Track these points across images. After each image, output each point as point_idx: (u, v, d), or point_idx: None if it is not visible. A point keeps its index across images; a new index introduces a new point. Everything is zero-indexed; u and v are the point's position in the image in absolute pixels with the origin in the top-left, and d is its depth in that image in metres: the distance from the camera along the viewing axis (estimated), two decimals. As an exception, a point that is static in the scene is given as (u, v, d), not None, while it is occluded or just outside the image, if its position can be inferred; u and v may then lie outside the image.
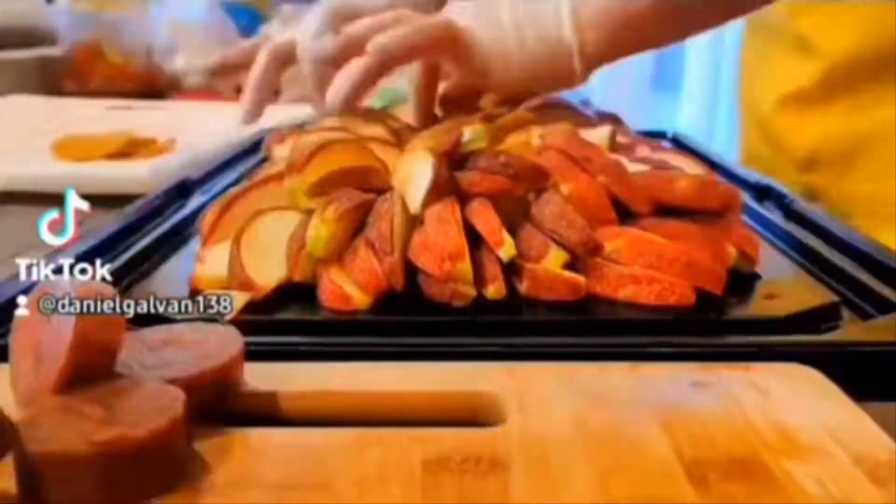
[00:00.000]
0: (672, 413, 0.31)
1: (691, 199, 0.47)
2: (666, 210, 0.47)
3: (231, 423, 0.31)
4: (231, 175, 0.73)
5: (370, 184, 0.47)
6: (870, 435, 0.30)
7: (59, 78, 1.39)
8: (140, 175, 0.74)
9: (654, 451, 0.29)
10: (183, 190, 0.67)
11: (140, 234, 0.55)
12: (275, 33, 0.78)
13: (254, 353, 0.37)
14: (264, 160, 0.73)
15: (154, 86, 1.37)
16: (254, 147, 0.87)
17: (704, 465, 0.28)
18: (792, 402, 0.32)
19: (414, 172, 0.46)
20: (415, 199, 0.44)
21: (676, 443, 0.29)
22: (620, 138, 0.57)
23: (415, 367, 0.35)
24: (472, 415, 0.32)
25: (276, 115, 1.08)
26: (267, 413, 0.33)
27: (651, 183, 0.47)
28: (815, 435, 0.30)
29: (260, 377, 0.34)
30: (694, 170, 0.52)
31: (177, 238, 0.55)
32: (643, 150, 0.55)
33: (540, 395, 0.32)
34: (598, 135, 0.54)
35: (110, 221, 0.55)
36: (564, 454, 0.28)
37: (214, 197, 0.61)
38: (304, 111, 1.16)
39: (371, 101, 1.04)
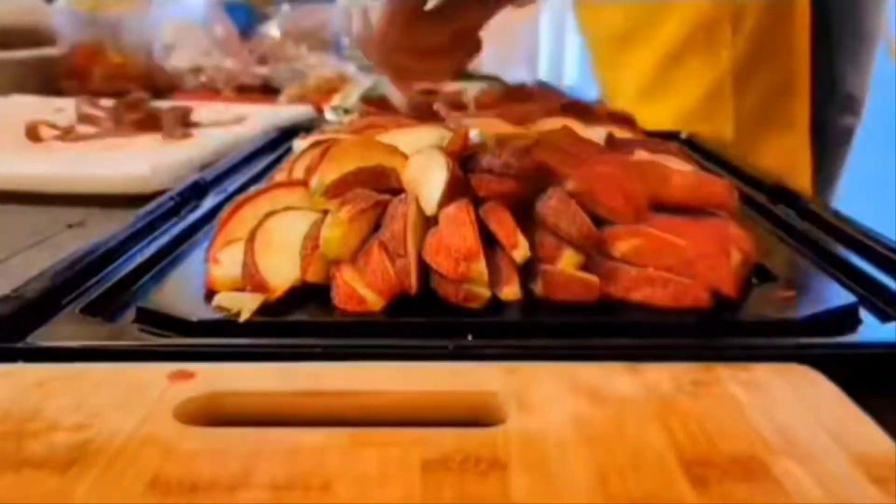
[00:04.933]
0: (672, 413, 0.31)
1: (687, 196, 0.47)
2: (661, 208, 0.46)
3: (231, 423, 0.31)
4: (245, 175, 0.73)
5: (386, 184, 0.47)
6: (870, 435, 0.30)
7: (59, 78, 1.39)
8: (140, 175, 0.74)
9: (654, 451, 0.29)
10: (198, 190, 0.67)
11: (156, 234, 0.56)
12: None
13: (267, 355, 0.37)
14: (277, 161, 0.73)
15: (154, 86, 1.37)
16: (267, 146, 0.87)
17: (704, 465, 0.28)
18: (792, 402, 0.32)
19: (428, 173, 0.46)
20: (430, 200, 0.44)
21: (676, 443, 0.29)
22: (621, 136, 0.57)
23: (415, 367, 0.35)
24: (472, 415, 0.32)
25: (276, 114, 1.09)
26: (267, 413, 0.33)
27: (647, 179, 0.47)
28: (815, 435, 0.30)
29: (261, 377, 0.34)
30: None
31: (192, 238, 0.55)
32: (641, 153, 0.55)
33: (540, 395, 0.32)
34: (594, 134, 0.54)
35: (126, 222, 0.56)
36: (564, 454, 0.28)
37: (230, 197, 0.61)
38: (304, 111, 1.16)
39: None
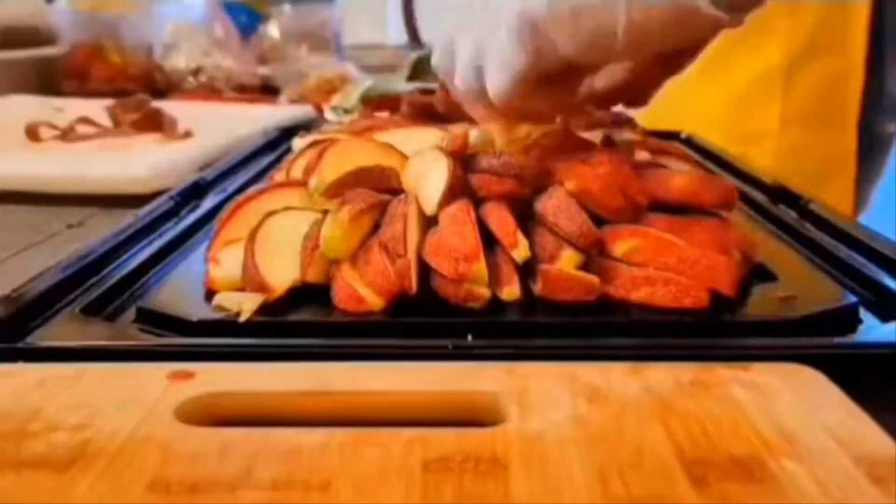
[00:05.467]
0: (672, 413, 0.31)
1: (687, 195, 0.46)
2: (661, 208, 0.46)
3: (231, 423, 0.31)
4: (245, 175, 0.73)
5: (387, 184, 0.47)
6: (870, 435, 0.30)
7: (59, 78, 1.39)
8: (140, 175, 0.74)
9: (654, 451, 0.29)
10: (198, 190, 0.67)
11: (156, 234, 0.56)
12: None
13: (267, 355, 0.37)
14: (277, 161, 0.73)
15: (154, 86, 1.37)
16: (267, 146, 0.87)
17: (704, 465, 0.28)
18: (792, 402, 0.32)
19: (428, 173, 0.46)
20: (431, 200, 0.44)
21: (676, 443, 0.29)
22: (625, 137, 0.57)
23: (415, 367, 0.35)
24: (472, 415, 0.32)
25: (276, 114, 1.09)
26: (267, 413, 0.33)
27: (647, 179, 0.47)
28: (815, 435, 0.30)
29: (261, 377, 0.34)
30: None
31: (192, 238, 0.55)
32: (641, 153, 0.55)
33: (540, 395, 0.32)
34: (594, 135, 0.54)
35: (126, 222, 0.56)
36: (564, 454, 0.28)
37: (230, 197, 0.61)
38: (304, 111, 1.16)
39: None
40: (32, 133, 0.88)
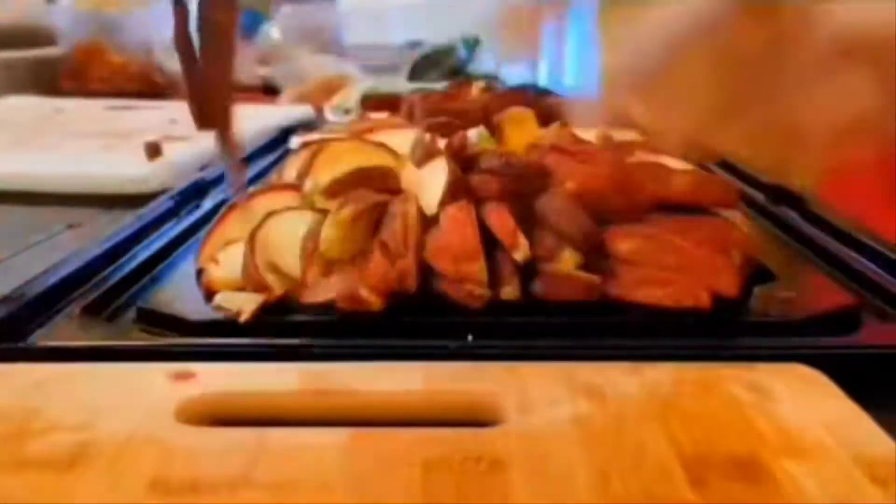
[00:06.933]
0: (672, 413, 0.31)
1: (688, 194, 0.46)
2: (661, 208, 0.46)
3: (231, 423, 0.31)
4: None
5: (386, 185, 0.47)
6: (870, 435, 0.30)
7: (59, 78, 1.39)
8: (140, 175, 0.74)
9: (654, 451, 0.29)
10: (198, 190, 0.67)
11: (156, 234, 0.56)
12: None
13: (267, 355, 0.37)
14: (278, 161, 0.73)
15: (154, 86, 1.37)
16: (267, 146, 0.87)
17: (704, 465, 0.28)
18: (792, 402, 0.32)
19: (428, 173, 0.46)
20: (431, 200, 0.44)
21: (676, 443, 0.29)
22: (622, 137, 0.57)
23: (415, 367, 0.35)
24: (472, 415, 0.32)
25: (276, 114, 1.09)
26: (267, 413, 0.33)
27: (648, 177, 0.47)
28: (815, 435, 0.30)
29: (261, 377, 0.34)
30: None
31: (192, 238, 0.55)
32: (641, 153, 0.55)
33: (540, 395, 0.32)
34: (590, 134, 0.54)
35: (126, 222, 0.56)
36: (564, 454, 0.28)
37: (229, 197, 0.61)
38: (304, 111, 1.16)
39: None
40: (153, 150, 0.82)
